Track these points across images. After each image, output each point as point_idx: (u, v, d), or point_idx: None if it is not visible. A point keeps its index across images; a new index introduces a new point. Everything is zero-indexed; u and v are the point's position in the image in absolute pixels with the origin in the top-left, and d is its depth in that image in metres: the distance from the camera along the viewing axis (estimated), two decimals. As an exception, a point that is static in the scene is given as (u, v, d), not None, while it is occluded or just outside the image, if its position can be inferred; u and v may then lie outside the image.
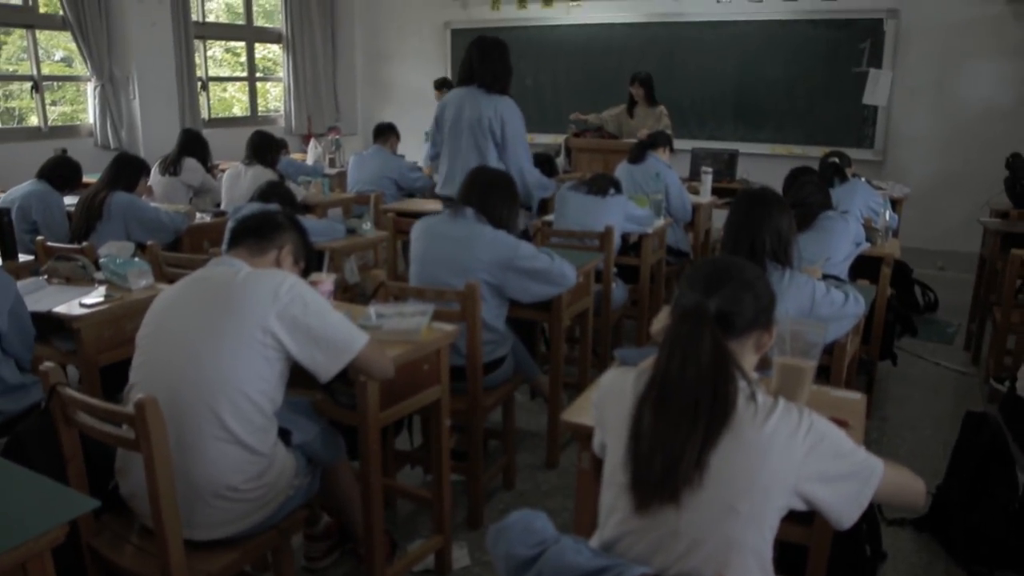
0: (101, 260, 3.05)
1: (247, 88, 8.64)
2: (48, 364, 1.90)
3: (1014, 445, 2.94)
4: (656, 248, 4.42)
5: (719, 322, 1.44)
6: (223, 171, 5.88)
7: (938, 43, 7.15)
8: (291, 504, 2.06)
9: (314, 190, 5.11)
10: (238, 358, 1.88)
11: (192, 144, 5.36)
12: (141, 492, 1.82)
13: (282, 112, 8.84)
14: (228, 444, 1.88)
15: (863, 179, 5.03)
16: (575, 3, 8.37)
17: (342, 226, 3.96)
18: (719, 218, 5.68)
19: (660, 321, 1.68)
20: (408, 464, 3.15)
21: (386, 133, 5.91)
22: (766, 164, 7.20)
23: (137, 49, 6.87)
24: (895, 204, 5.44)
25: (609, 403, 1.56)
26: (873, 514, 2.54)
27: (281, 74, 8.82)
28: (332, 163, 6.86)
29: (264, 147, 4.90)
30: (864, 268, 3.67)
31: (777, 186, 4.30)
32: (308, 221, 3.83)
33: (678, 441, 1.37)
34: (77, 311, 2.70)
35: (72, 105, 7.27)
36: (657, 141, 5.24)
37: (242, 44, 8.54)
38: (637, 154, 5.09)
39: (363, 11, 9.40)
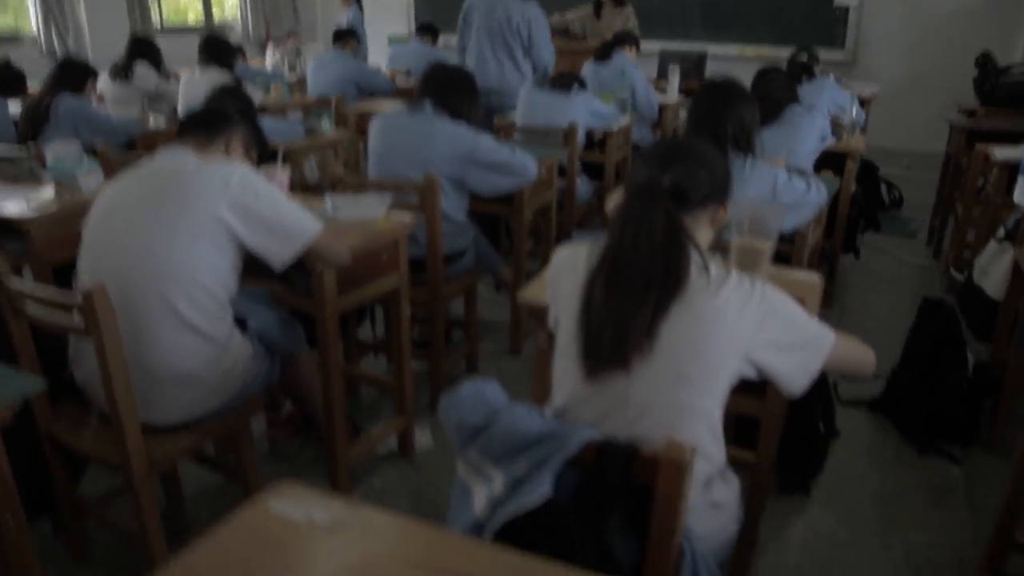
0: (49, 162, 2.95)
1: (200, -6, 8.35)
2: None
3: (967, 329, 3.01)
4: (621, 145, 4.37)
5: (673, 196, 1.42)
6: (177, 78, 5.71)
7: (910, -61, 7.04)
8: (249, 389, 2.06)
9: (274, 93, 4.97)
10: (190, 248, 1.85)
11: (142, 49, 5.15)
12: (95, 379, 1.81)
13: (238, 18, 8.54)
14: (182, 331, 1.86)
15: (831, 76, 4.98)
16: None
17: (301, 127, 3.85)
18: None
19: (614, 199, 1.66)
20: (372, 353, 3.16)
21: (345, 37, 5.74)
22: (735, 66, 7.06)
23: (82, -50, 6.58)
24: (863, 103, 5.42)
25: (562, 277, 1.55)
26: (828, 394, 2.60)
27: (236, -21, 8.51)
28: (292, 69, 6.66)
29: (217, 48, 4.71)
30: (830, 163, 3.66)
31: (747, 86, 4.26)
32: (266, 121, 3.73)
33: (629, 311, 1.36)
34: (27, 213, 2.62)
35: (14, 15, 6.97)
36: (624, 39, 5.14)
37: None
38: (603, 52, 5.00)
39: (321, -90, 9.04)
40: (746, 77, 4.28)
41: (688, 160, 1.47)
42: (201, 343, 1.89)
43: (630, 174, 1.53)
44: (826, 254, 3.80)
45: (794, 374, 1.46)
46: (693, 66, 6.46)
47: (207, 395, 1.94)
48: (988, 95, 5.58)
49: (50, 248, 2.66)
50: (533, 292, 1.92)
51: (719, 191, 1.52)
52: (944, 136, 5.34)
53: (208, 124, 2.12)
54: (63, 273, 2.72)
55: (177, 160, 1.99)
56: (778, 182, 2.49)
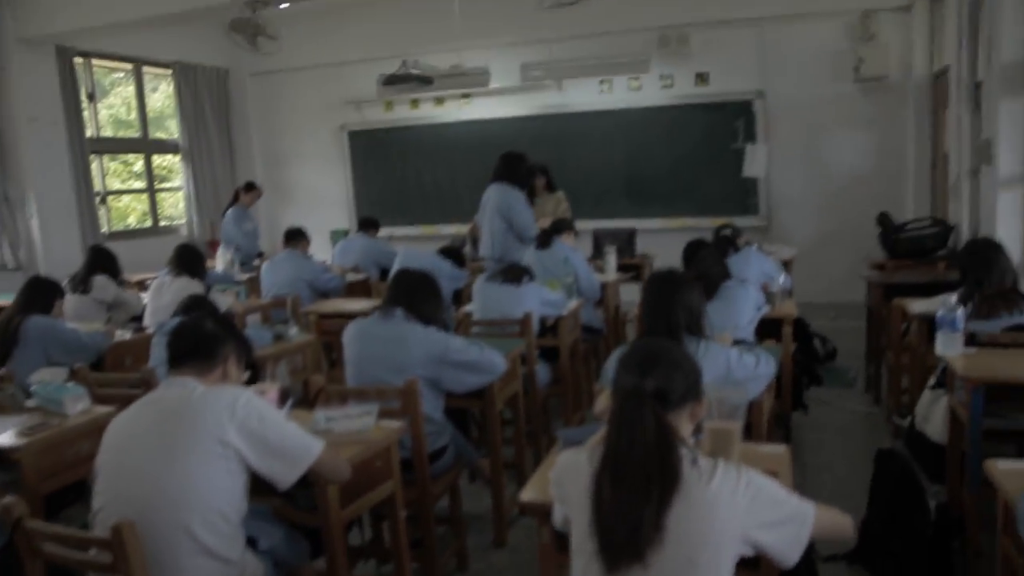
0: (33, 388, 3.02)
1: (142, 197, 8.61)
2: (8, 498, 1.92)
3: (921, 475, 3.22)
4: (572, 328, 4.63)
5: (656, 399, 1.63)
6: (133, 285, 5.85)
7: (802, 118, 7.87)
8: (262, 609, 2.11)
9: (230, 299, 5.12)
10: (203, 474, 1.96)
11: (101, 260, 5.29)
12: (115, 615, 1.84)
13: (184, 221, 8.81)
14: (200, 556, 1.93)
15: (755, 246, 5.41)
16: (465, 100, 8.76)
17: (268, 333, 4.01)
18: (626, 292, 6.02)
19: (602, 403, 1.87)
20: (361, 559, 3.18)
21: (296, 237, 6.00)
22: (662, 238, 7.58)
23: (32, 168, 6.84)
24: (785, 265, 5.86)
25: (568, 480, 1.72)
26: (809, 554, 2.73)
27: (179, 182, 8.83)
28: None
29: (193, 259, 4.94)
30: (767, 329, 3.97)
31: (676, 257, 4.63)
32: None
33: (636, 508, 1.54)
34: (15, 441, 2.67)
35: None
36: (561, 227, 5.52)
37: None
38: (544, 241, 5.35)
39: (258, 117, 9.57)
40: (675, 247, 4.69)
41: (664, 364, 1.69)
42: (219, 567, 1.96)
43: (614, 380, 1.73)
44: (779, 417, 4.04)
45: (786, 547, 1.64)
46: (625, 242, 6.90)
47: None
48: (892, 249, 6.14)
49: (40, 477, 2.70)
50: (533, 491, 2.05)
51: (694, 389, 1.73)
52: (860, 284, 5.78)
53: (202, 352, 2.22)
54: (50, 501, 2.76)
55: (183, 388, 2.11)
56: (731, 361, 2.72)
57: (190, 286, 4.66)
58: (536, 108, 8.56)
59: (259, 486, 2.13)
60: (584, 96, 8.41)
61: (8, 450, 2.64)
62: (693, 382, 1.73)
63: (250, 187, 7.70)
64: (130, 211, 8.79)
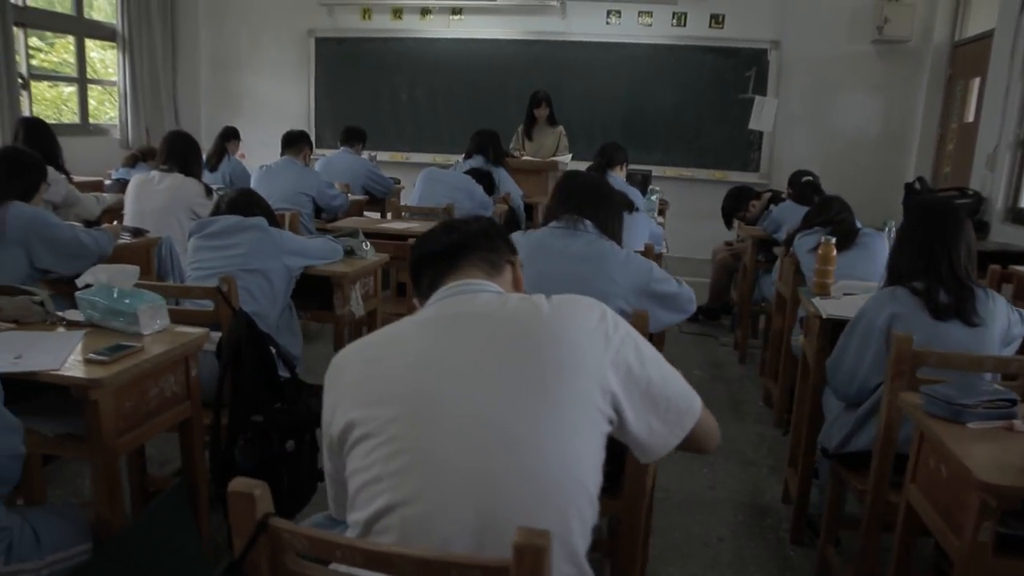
0: (78, 294, 2.09)
1: (68, 94, 7.25)
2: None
3: None
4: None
5: None
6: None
7: (815, 75, 7.43)
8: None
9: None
10: (579, 439, 1.17)
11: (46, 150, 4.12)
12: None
13: (116, 122, 7.49)
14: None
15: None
16: (456, 17, 7.84)
17: (340, 246, 3.08)
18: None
19: None
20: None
21: (297, 142, 4.93)
22: (669, 185, 7.04)
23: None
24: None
25: None
26: None
27: (114, 78, 7.49)
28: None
29: (188, 151, 3.89)
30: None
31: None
32: (307, 241, 3.00)
33: None
34: (86, 371, 1.76)
35: None
36: (613, 159, 4.89)
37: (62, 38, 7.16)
38: (597, 169, 4.76)
39: (209, 13, 8.30)
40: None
41: None
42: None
43: None
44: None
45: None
46: (639, 184, 6.32)
47: None
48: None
49: (119, 429, 1.81)
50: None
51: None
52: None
53: (490, 240, 1.44)
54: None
55: (503, 296, 1.32)
56: (653, 273, 2.37)
57: (187, 185, 3.72)
58: (534, 33, 7.76)
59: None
60: (589, 25, 7.67)
61: (78, 385, 1.72)
62: None
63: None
64: (57, 103, 7.38)
